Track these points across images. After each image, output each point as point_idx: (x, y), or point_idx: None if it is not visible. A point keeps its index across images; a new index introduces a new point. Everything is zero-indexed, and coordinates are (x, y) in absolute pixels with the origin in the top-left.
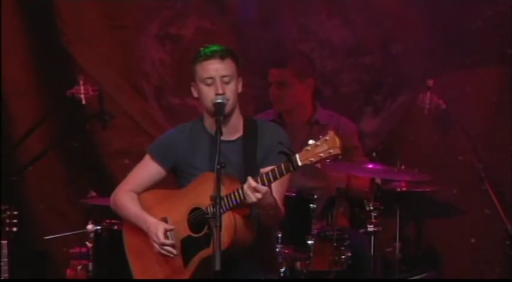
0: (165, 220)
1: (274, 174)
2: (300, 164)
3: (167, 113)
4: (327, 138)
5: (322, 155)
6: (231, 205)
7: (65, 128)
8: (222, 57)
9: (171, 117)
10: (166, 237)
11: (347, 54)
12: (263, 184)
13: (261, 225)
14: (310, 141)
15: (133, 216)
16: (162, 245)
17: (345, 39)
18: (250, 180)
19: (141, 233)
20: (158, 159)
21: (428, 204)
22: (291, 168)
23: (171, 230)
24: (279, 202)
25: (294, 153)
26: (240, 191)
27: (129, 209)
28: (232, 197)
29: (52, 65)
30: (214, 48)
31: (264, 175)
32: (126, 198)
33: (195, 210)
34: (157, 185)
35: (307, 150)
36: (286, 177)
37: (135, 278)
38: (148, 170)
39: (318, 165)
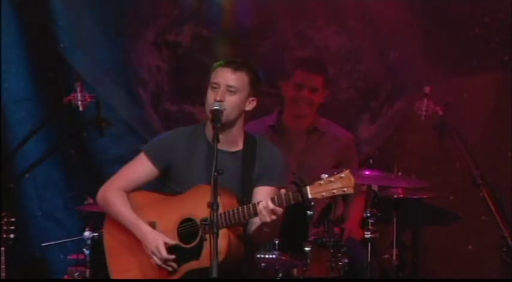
0: (153, 224)
1: (281, 201)
2: (310, 196)
3: (164, 119)
4: (342, 175)
5: (335, 191)
6: (228, 223)
7: (62, 135)
8: (235, 69)
9: (168, 124)
10: (168, 252)
11: (344, 61)
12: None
13: (251, 242)
14: (324, 176)
15: (124, 219)
16: (166, 261)
17: (342, 46)
18: (269, 203)
19: (123, 233)
20: (153, 159)
21: (425, 210)
22: (300, 199)
23: (172, 245)
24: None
25: (305, 185)
26: (245, 211)
27: (121, 210)
28: (231, 215)
29: (49, 72)
30: (233, 59)
31: (276, 198)
32: (117, 196)
33: (187, 221)
34: (148, 185)
35: (320, 184)
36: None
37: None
38: (141, 169)
39: (327, 200)
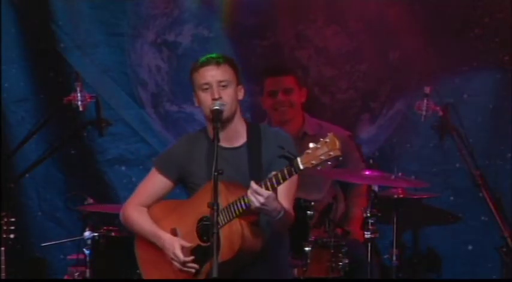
0: (174, 231)
1: (277, 178)
2: (301, 167)
3: (164, 120)
4: (327, 140)
5: (322, 157)
6: (237, 212)
7: (62, 135)
8: (218, 63)
9: (168, 125)
10: (185, 254)
11: (344, 62)
12: (267, 189)
13: (273, 231)
14: (311, 145)
15: (146, 232)
16: (184, 263)
17: (342, 46)
18: (252, 184)
19: (152, 246)
20: (164, 171)
21: (425, 211)
22: (293, 172)
23: (188, 246)
24: (289, 206)
25: (296, 157)
26: (245, 197)
27: (141, 225)
28: (238, 203)
29: (49, 73)
30: (211, 55)
31: (268, 180)
32: (136, 213)
33: (203, 219)
34: (167, 196)
35: (308, 153)
36: (293, 182)
37: None
38: (155, 183)
39: (319, 167)
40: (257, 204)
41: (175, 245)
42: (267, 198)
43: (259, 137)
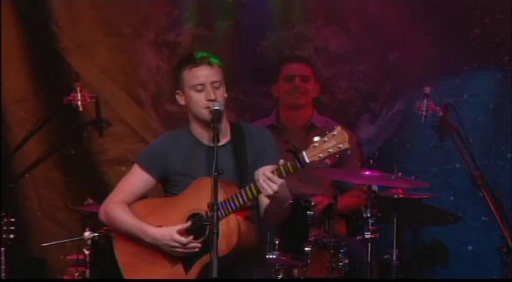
0: None
1: (280, 172)
2: (307, 160)
3: (164, 120)
4: (335, 133)
5: (331, 150)
6: (234, 207)
7: (62, 135)
8: (211, 64)
9: (168, 125)
10: (184, 235)
11: (344, 62)
12: None
13: (262, 226)
14: (316, 138)
15: (131, 228)
16: (188, 244)
17: (342, 46)
18: (266, 172)
19: (133, 246)
20: (148, 169)
21: (425, 211)
22: (298, 166)
23: (187, 228)
24: None
25: (300, 151)
26: (243, 192)
27: (126, 221)
28: (235, 199)
29: (49, 73)
30: (202, 54)
31: (275, 171)
32: (119, 209)
33: (194, 216)
34: (147, 195)
35: (315, 146)
36: None
37: None
38: (138, 180)
39: (327, 161)
40: (270, 192)
41: (171, 232)
42: (281, 185)
43: (242, 136)
